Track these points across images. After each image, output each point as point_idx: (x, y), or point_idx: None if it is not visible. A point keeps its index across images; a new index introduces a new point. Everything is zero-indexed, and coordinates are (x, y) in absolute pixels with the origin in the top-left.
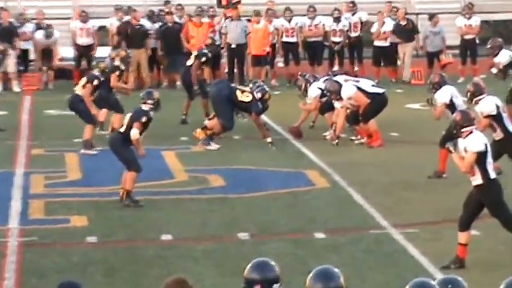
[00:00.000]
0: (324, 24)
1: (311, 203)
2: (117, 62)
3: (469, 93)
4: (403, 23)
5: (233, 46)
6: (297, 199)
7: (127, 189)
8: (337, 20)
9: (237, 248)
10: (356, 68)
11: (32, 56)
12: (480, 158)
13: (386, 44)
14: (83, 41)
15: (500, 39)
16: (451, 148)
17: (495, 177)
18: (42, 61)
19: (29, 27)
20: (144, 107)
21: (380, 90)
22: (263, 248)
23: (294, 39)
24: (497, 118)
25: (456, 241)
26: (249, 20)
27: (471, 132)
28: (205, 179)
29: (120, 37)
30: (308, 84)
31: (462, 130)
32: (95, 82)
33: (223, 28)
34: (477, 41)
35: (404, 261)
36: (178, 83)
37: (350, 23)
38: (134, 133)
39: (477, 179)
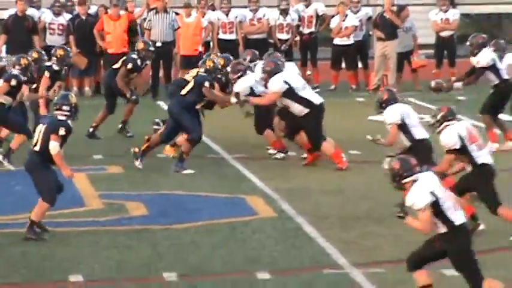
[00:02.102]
0: (268, 18)
1: (253, 236)
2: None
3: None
4: (388, 15)
5: (158, 44)
6: (236, 231)
7: (32, 220)
8: (285, 12)
9: None
10: (309, 72)
11: None
12: (434, 210)
13: (350, 42)
14: None
15: (483, 35)
16: (402, 215)
17: (463, 222)
18: None
19: None
20: (60, 116)
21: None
22: None
23: (232, 36)
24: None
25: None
26: (177, 13)
27: (414, 181)
28: (123, 207)
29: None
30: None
31: (403, 181)
32: (13, 82)
33: (147, 23)
34: (455, 39)
35: None
36: (87, 88)
37: (303, 17)
38: (54, 146)
39: (441, 229)
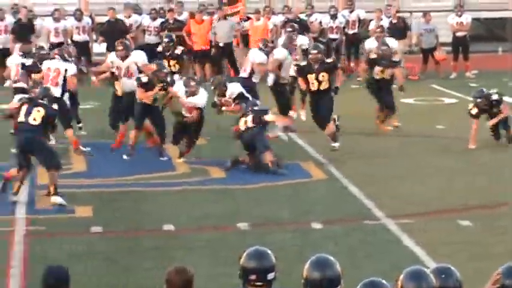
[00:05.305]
0: (320, 21)
1: (309, 194)
2: None
3: None
4: (395, 21)
5: (221, 45)
6: (295, 191)
7: None
8: (334, 17)
9: (237, 238)
10: (352, 64)
11: None
12: None
13: None
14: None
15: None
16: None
17: None
18: None
19: None
20: None
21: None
22: (263, 238)
23: None
24: None
25: (447, 232)
26: (249, 18)
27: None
28: (206, 171)
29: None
30: None
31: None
32: None
33: (213, 28)
34: (468, 38)
35: (398, 251)
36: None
37: (348, 20)
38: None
39: None
